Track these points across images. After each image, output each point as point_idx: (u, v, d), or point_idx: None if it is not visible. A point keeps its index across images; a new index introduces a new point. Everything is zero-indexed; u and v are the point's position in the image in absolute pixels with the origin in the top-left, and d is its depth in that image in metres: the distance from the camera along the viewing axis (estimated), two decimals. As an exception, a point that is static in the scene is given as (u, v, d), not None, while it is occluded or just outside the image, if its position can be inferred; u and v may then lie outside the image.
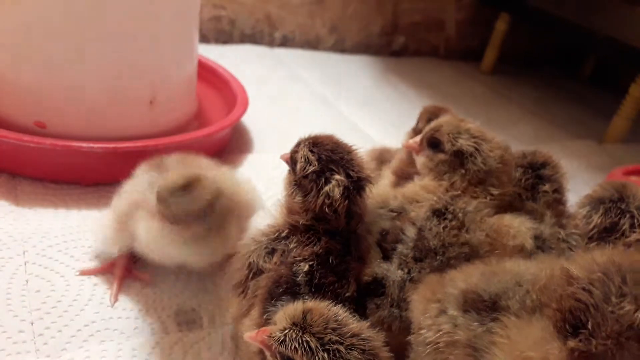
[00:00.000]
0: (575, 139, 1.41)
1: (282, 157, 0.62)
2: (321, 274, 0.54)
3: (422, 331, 0.49)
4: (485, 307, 0.46)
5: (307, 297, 0.52)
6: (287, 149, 0.63)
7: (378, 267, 0.58)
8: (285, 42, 1.68)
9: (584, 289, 0.40)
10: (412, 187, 0.64)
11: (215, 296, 0.70)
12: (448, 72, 1.78)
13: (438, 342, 0.47)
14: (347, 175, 0.57)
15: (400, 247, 0.58)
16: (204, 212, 0.60)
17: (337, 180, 0.56)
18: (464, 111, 1.47)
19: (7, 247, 0.71)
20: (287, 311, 0.47)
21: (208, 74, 1.15)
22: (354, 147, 0.60)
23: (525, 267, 0.49)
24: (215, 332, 0.65)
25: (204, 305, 0.69)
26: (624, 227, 0.59)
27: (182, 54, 0.96)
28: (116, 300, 0.67)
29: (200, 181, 0.60)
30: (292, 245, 0.56)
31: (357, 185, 0.57)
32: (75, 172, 0.83)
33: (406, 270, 0.57)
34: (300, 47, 1.70)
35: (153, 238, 0.63)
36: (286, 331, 0.46)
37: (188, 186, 0.59)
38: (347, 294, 0.54)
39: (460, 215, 0.59)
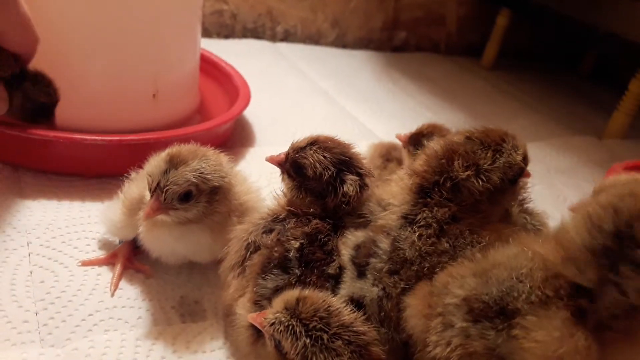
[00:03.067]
0: (575, 135, 1.42)
1: (271, 159, 0.64)
2: (310, 251, 0.57)
3: (429, 348, 0.48)
4: (495, 313, 0.45)
5: (297, 271, 0.56)
6: (289, 143, 0.63)
7: (353, 287, 0.56)
8: (286, 37, 1.68)
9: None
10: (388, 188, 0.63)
11: (218, 288, 0.71)
12: (449, 67, 1.78)
13: (450, 357, 0.46)
14: (357, 174, 0.61)
15: (373, 261, 0.55)
16: (191, 193, 0.61)
17: (351, 179, 0.60)
18: (465, 106, 1.48)
19: (12, 239, 0.72)
20: (283, 296, 0.50)
21: (210, 67, 1.15)
22: (352, 144, 0.63)
23: (514, 257, 0.48)
24: (218, 324, 0.66)
25: (207, 297, 0.69)
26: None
27: (185, 47, 0.97)
28: (116, 289, 0.68)
29: (188, 160, 0.61)
30: (288, 226, 0.59)
31: (363, 181, 0.61)
32: (79, 164, 0.83)
33: (381, 286, 0.54)
34: (301, 41, 1.70)
35: (146, 227, 0.64)
36: (277, 314, 0.49)
37: (175, 162, 0.61)
38: (331, 271, 0.57)
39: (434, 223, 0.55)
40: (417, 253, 0.53)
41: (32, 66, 0.78)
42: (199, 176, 0.61)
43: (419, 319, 0.50)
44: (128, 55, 0.86)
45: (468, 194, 0.55)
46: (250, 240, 0.59)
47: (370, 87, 1.50)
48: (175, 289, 0.70)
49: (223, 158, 0.66)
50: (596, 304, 0.43)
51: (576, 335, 0.42)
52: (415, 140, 0.77)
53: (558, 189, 1.12)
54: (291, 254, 0.57)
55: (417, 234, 0.54)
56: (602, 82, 1.87)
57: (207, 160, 0.63)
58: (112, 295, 0.67)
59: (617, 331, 0.43)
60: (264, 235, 0.59)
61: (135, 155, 0.69)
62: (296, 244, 0.57)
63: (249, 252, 0.59)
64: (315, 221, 0.59)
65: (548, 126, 1.46)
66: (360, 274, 0.56)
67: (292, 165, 0.62)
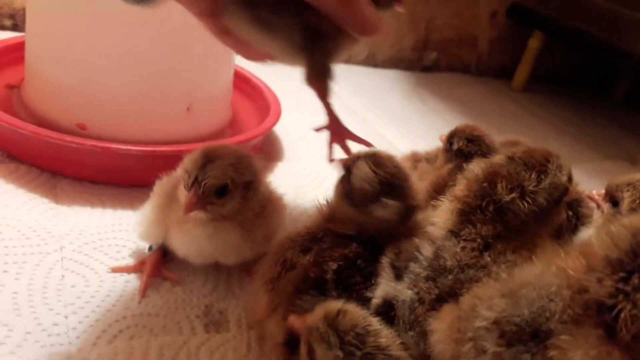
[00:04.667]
0: (607, 159, 1.39)
1: (341, 161, 0.64)
2: (348, 274, 0.56)
3: None
4: (528, 336, 0.44)
5: (333, 292, 0.55)
6: (317, 158, 0.64)
7: (387, 287, 0.56)
8: (317, 55, 1.70)
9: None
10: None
11: (243, 300, 0.72)
12: (479, 89, 1.77)
13: None
14: (403, 201, 0.59)
15: (413, 266, 0.55)
16: (227, 187, 0.63)
17: (391, 205, 0.59)
18: (495, 128, 1.46)
19: (46, 243, 0.74)
20: (326, 305, 0.49)
21: (243, 83, 1.17)
22: (409, 174, 0.62)
23: (541, 275, 0.47)
24: (241, 336, 0.67)
25: (231, 309, 0.70)
26: None
27: (220, 63, 0.99)
28: (143, 296, 0.69)
29: (223, 156, 0.63)
30: (325, 246, 0.58)
31: (406, 209, 0.60)
32: (113, 173, 0.86)
33: (416, 290, 0.54)
34: (332, 60, 1.71)
35: (177, 220, 0.65)
36: (317, 321, 0.48)
37: (211, 157, 0.63)
38: (370, 294, 0.56)
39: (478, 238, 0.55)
40: (457, 263, 0.53)
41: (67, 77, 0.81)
42: (234, 170, 0.63)
43: (447, 344, 0.48)
44: (163, 69, 0.88)
45: (513, 216, 0.54)
46: (286, 257, 0.59)
47: (399, 107, 1.51)
48: (200, 298, 0.71)
49: (254, 156, 0.69)
50: (618, 322, 0.42)
51: (613, 354, 0.41)
52: (451, 138, 0.78)
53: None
54: (328, 275, 0.56)
55: (460, 245, 0.54)
56: (635, 107, 1.83)
57: (241, 156, 0.65)
58: (140, 301, 0.68)
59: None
60: (301, 254, 0.58)
61: (168, 166, 0.71)
62: (334, 266, 0.56)
63: (284, 270, 0.58)
64: (354, 244, 0.58)
65: (580, 150, 1.44)
66: (398, 276, 0.56)
67: (345, 170, 0.62)
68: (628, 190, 0.62)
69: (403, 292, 0.54)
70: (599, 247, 0.44)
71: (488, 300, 0.47)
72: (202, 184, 0.62)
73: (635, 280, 0.41)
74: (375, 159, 0.60)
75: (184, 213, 0.63)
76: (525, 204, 0.54)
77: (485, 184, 0.55)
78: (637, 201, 0.60)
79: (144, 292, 0.69)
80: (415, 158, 0.88)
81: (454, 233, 0.55)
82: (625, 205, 0.61)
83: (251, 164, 0.67)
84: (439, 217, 0.57)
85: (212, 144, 0.66)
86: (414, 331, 0.53)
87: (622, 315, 0.41)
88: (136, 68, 0.87)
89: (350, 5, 0.53)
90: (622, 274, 0.42)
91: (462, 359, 0.47)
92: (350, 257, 0.57)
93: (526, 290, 0.46)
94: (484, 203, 0.54)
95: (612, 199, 0.63)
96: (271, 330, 0.57)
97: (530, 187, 0.54)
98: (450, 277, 0.53)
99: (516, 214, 0.54)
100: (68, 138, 0.82)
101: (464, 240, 0.54)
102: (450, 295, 0.52)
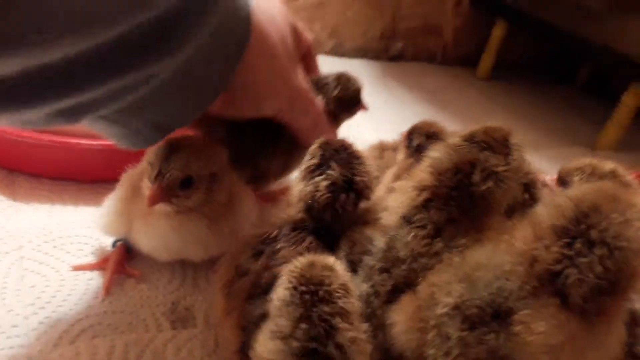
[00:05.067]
0: (569, 146, 1.43)
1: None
2: None
3: None
4: (490, 317, 0.44)
5: None
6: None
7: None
8: (283, 45, 1.69)
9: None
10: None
11: (210, 295, 0.71)
12: (444, 78, 1.79)
13: None
14: (343, 175, 0.58)
15: (367, 259, 0.54)
16: (192, 179, 0.62)
17: (327, 174, 0.58)
18: (460, 116, 1.49)
19: (4, 242, 0.72)
20: (317, 256, 0.49)
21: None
22: (366, 158, 0.62)
23: (492, 255, 0.47)
24: (209, 331, 0.66)
25: (198, 305, 0.69)
26: None
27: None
28: (107, 293, 0.68)
29: (187, 147, 0.62)
30: (278, 246, 0.57)
31: (351, 188, 0.59)
32: (74, 168, 0.83)
33: (370, 283, 0.53)
34: (298, 49, 1.71)
35: (142, 214, 0.65)
36: (296, 265, 0.48)
37: (175, 149, 0.62)
38: None
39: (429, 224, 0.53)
40: (409, 253, 0.52)
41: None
42: (199, 161, 0.63)
43: (412, 334, 0.48)
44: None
45: (484, 202, 0.53)
46: (239, 263, 0.57)
47: (366, 96, 1.51)
48: (166, 295, 0.70)
49: (219, 146, 0.68)
50: (567, 288, 0.44)
51: (572, 321, 0.42)
52: (410, 134, 0.78)
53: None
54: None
55: (412, 234, 0.53)
56: (596, 95, 1.88)
57: (206, 147, 0.65)
58: (103, 300, 0.67)
59: (592, 313, 0.44)
60: (253, 259, 0.57)
61: (131, 161, 0.70)
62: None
63: (237, 275, 0.57)
64: (309, 240, 0.57)
65: (542, 137, 1.47)
66: (353, 270, 0.54)
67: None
68: (577, 175, 0.64)
69: (359, 286, 0.53)
70: (546, 217, 0.46)
71: (445, 286, 0.47)
72: (166, 176, 0.61)
73: (578, 245, 0.43)
74: (326, 140, 0.61)
75: (148, 206, 0.62)
76: (500, 190, 0.53)
77: (459, 175, 0.53)
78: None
79: (107, 289, 0.68)
80: (382, 147, 0.88)
81: (406, 219, 0.54)
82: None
83: (216, 154, 0.66)
84: (395, 201, 0.57)
85: (177, 136, 0.64)
86: (370, 324, 0.52)
87: (570, 280, 0.43)
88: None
89: (319, 129, 0.72)
90: (566, 240, 0.44)
91: (427, 347, 0.47)
92: (302, 255, 0.54)
93: (481, 273, 0.46)
94: (457, 193, 0.53)
95: (563, 183, 0.64)
96: (226, 335, 0.56)
97: (502, 172, 0.53)
98: (403, 267, 0.52)
99: (487, 200, 0.53)
100: (25, 133, 0.80)
101: (416, 227, 0.53)
102: (406, 285, 0.51)
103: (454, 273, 0.48)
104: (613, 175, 0.63)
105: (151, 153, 0.63)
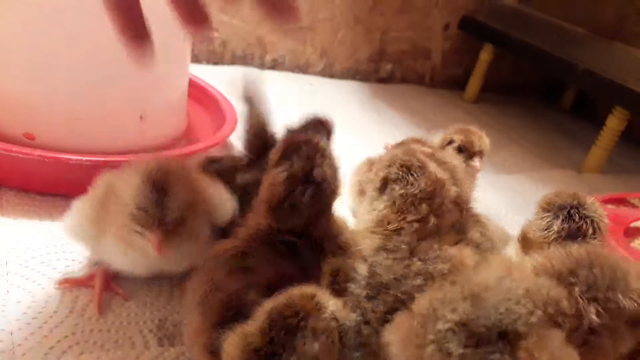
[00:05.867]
0: (555, 168, 1.45)
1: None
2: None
3: None
4: (497, 337, 0.44)
5: None
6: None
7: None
8: (275, 66, 1.71)
9: None
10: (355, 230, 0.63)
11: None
12: (433, 100, 1.82)
13: None
14: (302, 169, 0.57)
15: (352, 287, 0.54)
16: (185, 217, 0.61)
17: (284, 166, 0.57)
18: (448, 137, 1.51)
19: (-10, 257, 0.71)
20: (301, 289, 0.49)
21: (198, 92, 1.17)
22: (330, 153, 0.60)
23: (505, 279, 0.48)
24: (196, 348, 0.66)
25: (185, 321, 0.69)
26: (587, 232, 0.61)
27: (174, 73, 0.98)
28: (100, 310, 0.67)
29: (173, 184, 0.60)
30: (252, 263, 0.55)
31: (312, 183, 0.57)
32: (63, 184, 0.83)
33: (359, 311, 0.52)
34: (290, 70, 1.73)
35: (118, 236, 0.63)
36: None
37: (161, 189, 0.59)
38: None
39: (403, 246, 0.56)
40: (392, 277, 0.53)
41: (14, 84, 0.78)
42: (185, 194, 0.61)
43: (409, 351, 0.48)
44: (115, 76, 0.86)
45: (450, 217, 0.57)
46: (213, 278, 0.55)
47: (356, 117, 1.53)
48: (154, 312, 0.69)
49: (192, 168, 0.67)
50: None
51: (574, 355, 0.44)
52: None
53: (538, 221, 1.14)
54: (250, 307, 0.51)
55: (390, 257, 0.54)
56: (581, 117, 1.92)
57: (188, 178, 0.64)
58: (98, 316, 0.66)
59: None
60: (227, 276, 0.55)
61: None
62: (255, 296, 0.53)
63: (211, 291, 0.55)
64: (279, 262, 0.55)
65: (529, 159, 1.49)
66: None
67: None
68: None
69: (347, 316, 0.52)
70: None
71: (450, 303, 0.47)
72: (166, 221, 0.59)
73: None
74: (291, 136, 0.62)
75: (159, 254, 0.59)
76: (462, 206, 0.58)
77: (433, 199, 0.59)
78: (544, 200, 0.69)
79: (100, 308, 0.67)
80: (370, 162, 0.91)
81: (382, 248, 0.56)
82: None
83: (199, 183, 0.66)
84: (366, 239, 0.59)
85: (152, 170, 0.61)
86: (360, 352, 0.52)
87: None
88: (86, 74, 0.85)
89: None
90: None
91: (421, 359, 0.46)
92: (275, 280, 0.53)
93: (493, 296, 0.47)
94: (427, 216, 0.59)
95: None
96: (197, 357, 0.54)
97: (462, 191, 0.60)
98: (391, 292, 0.52)
99: (452, 216, 0.59)
100: (14, 148, 0.79)
101: (392, 251, 0.55)
102: (397, 309, 0.51)
103: (458, 291, 0.48)
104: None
105: (136, 195, 0.60)
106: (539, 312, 0.45)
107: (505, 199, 1.20)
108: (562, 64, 1.49)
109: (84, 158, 0.81)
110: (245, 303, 0.53)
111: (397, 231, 0.58)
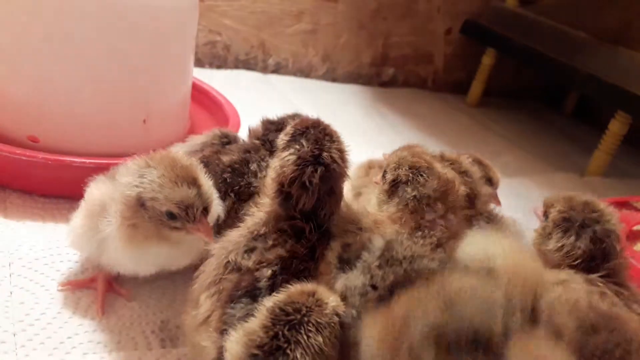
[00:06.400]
0: (558, 172, 1.45)
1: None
2: (283, 278, 0.54)
3: None
4: (468, 343, 0.44)
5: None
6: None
7: (335, 282, 0.55)
8: (278, 69, 1.71)
9: None
10: (379, 216, 0.63)
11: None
12: (435, 104, 1.82)
13: None
14: (312, 151, 0.57)
15: (365, 255, 0.55)
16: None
17: (295, 149, 0.57)
18: (450, 142, 1.51)
19: (-7, 259, 0.71)
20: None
21: (201, 96, 1.17)
22: (341, 139, 0.62)
23: (487, 286, 0.48)
24: (198, 349, 0.66)
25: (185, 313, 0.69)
26: (613, 252, 0.60)
27: (177, 76, 0.98)
28: (103, 312, 0.67)
29: (196, 175, 0.62)
30: (270, 243, 0.56)
31: (321, 166, 0.57)
32: (66, 186, 0.83)
33: (369, 276, 0.53)
34: (292, 74, 1.73)
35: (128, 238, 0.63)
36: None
37: (193, 181, 0.61)
38: None
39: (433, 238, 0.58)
40: (410, 254, 0.54)
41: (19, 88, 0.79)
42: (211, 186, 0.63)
43: (383, 350, 0.48)
44: (119, 80, 0.87)
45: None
46: (230, 259, 0.56)
47: (358, 121, 1.53)
48: (156, 314, 0.69)
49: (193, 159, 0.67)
50: None
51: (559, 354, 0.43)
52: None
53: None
54: (262, 282, 0.54)
55: (413, 239, 0.56)
56: (584, 121, 1.91)
57: (200, 167, 0.65)
58: (100, 318, 0.66)
59: None
60: (246, 254, 0.56)
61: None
62: (268, 272, 0.54)
63: (226, 271, 0.56)
64: (290, 242, 0.56)
65: (531, 163, 1.49)
66: (347, 268, 0.55)
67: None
68: (555, 207, 0.66)
69: (353, 279, 0.53)
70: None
71: (423, 306, 0.47)
72: (205, 209, 0.61)
73: None
74: (300, 120, 0.64)
75: (211, 240, 0.60)
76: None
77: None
78: (560, 215, 0.64)
79: (102, 309, 0.68)
80: (369, 165, 0.91)
81: (410, 231, 0.58)
82: (550, 217, 0.65)
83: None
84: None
85: (170, 168, 0.62)
86: (356, 310, 0.52)
87: None
88: (90, 78, 0.85)
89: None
90: None
91: None
92: (285, 258, 0.55)
93: (472, 302, 0.47)
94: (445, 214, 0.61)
95: (545, 213, 0.67)
96: (205, 345, 0.54)
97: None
98: (403, 266, 0.53)
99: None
100: (19, 151, 0.80)
101: (419, 237, 0.57)
102: (404, 284, 0.52)
103: (432, 294, 0.48)
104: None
105: (172, 193, 0.60)
106: (517, 316, 0.45)
107: (508, 202, 1.20)
108: (565, 68, 1.49)
109: (88, 161, 0.81)
110: (256, 284, 0.54)
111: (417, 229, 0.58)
